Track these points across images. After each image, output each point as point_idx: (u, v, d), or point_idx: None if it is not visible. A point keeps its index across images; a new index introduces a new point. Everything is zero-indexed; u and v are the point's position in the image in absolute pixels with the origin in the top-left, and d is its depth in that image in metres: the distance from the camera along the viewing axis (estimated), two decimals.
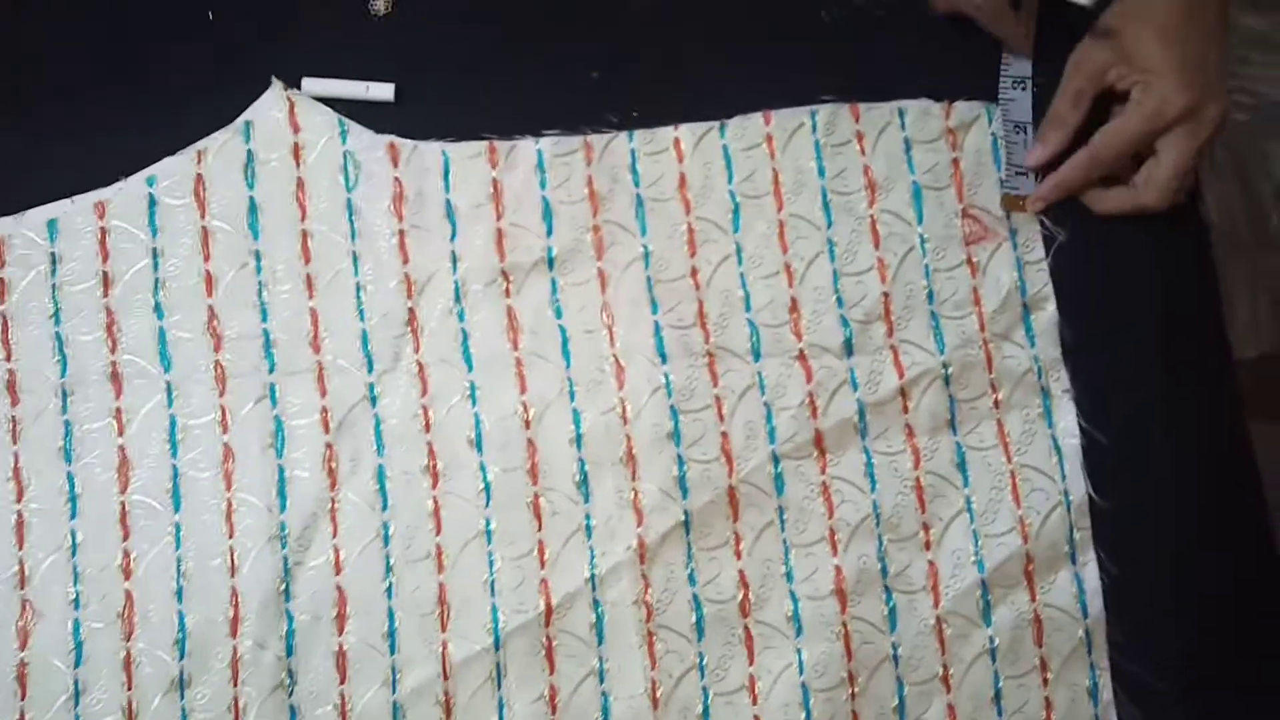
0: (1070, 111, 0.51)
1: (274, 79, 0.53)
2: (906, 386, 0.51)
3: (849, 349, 0.51)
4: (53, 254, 0.51)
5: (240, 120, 0.52)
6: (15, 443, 0.50)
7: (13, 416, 0.50)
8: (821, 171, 0.53)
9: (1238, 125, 1.17)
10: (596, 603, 0.49)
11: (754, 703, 0.48)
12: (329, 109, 0.53)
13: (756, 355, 0.51)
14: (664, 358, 0.51)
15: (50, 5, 0.54)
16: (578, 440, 0.50)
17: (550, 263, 0.52)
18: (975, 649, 0.49)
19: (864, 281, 0.52)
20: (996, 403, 0.51)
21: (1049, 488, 0.50)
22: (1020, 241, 0.52)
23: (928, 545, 0.50)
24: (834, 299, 0.52)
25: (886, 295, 0.52)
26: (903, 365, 0.51)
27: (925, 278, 0.52)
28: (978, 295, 0.52)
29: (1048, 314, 0.52)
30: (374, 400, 0.50)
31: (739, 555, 0.49)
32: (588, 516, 0.49)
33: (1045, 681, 0.49)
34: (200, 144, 0.52)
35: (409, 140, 0.52)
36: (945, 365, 0.51)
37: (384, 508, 0.49)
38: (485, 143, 0.53)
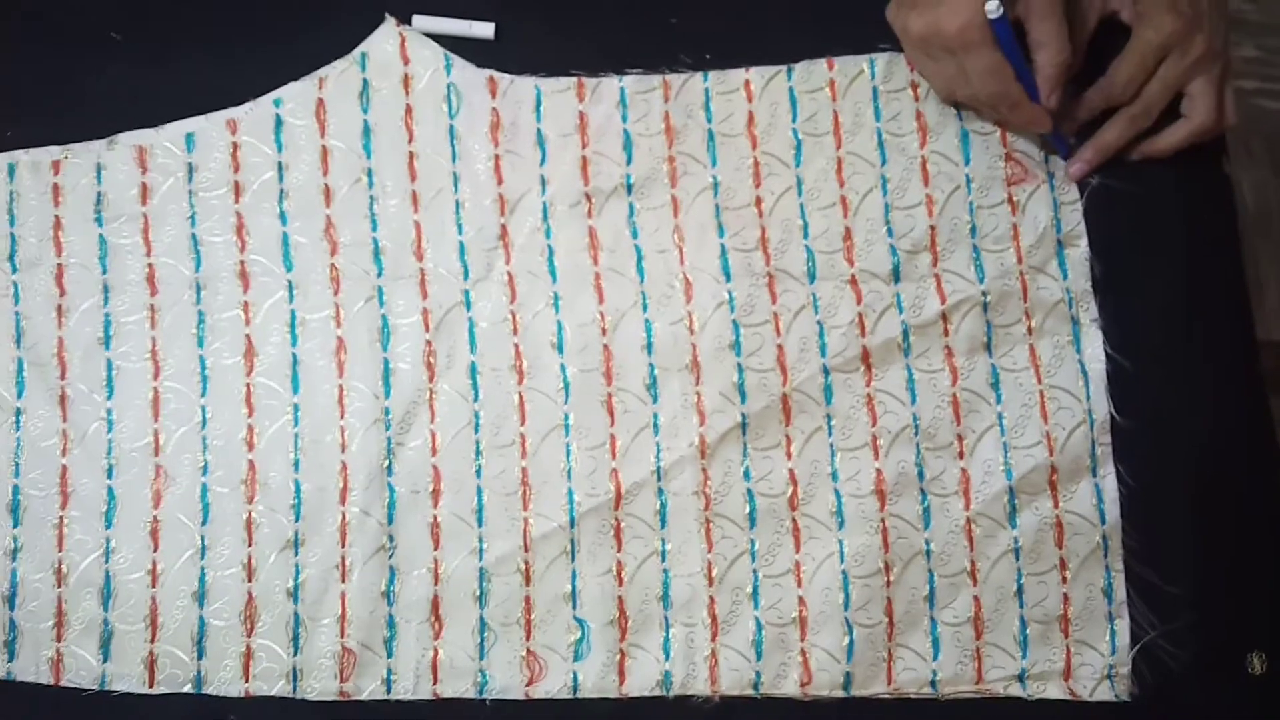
0: (1081, 30, 0.55)
1: (387, 15, 0.59)
2: (948, 311, 0.56)
3: (896, 275, 0.56)
4: (189, 164, 0.57)
5: (357, 51, 0.58)
6: (154, 328, 0.56)
7: (151, 305, 0.56)
8: (878, 114, 0.58)
9: (1272, 113, 1.20)
10: (661, 491, 0.54)
11: (799, 585, 0.54)
12: (436, 44, 0.58)
13: (812, 278, 0.56)
14: (728, 277, 0.56)
15: None
16: (649, 347, 0.56)
17: (629, 188, 0.57)
18: (1001, 548, 0.54)
19: (913, 215, 0.57)
20: (1030, 329, 0.56)
21: (1074, 407, 0.55)
22: (1058, 184, 0.57)
23: (961, 454, 0.55)
24: (884, 230, 0.57)
25: (933, 228, 0.57)
26: (945, 292, 0.56)
27: (969, 213, 0.57)
28: (1016, 231, 0.57)
29: (1080, 250, 0.56)
30: (469, 305, 0.56)
31: (789, 455, 0.55)
32: (655, 415, 0.55)
33: (1064, 579, 0.54)
34: (321, 71, 0.58)
35: (506, 74, 0.58)
36: (984, 294, 0.56)
37: (475, 399, 0.55)
38: (574, 79, 0.58)
